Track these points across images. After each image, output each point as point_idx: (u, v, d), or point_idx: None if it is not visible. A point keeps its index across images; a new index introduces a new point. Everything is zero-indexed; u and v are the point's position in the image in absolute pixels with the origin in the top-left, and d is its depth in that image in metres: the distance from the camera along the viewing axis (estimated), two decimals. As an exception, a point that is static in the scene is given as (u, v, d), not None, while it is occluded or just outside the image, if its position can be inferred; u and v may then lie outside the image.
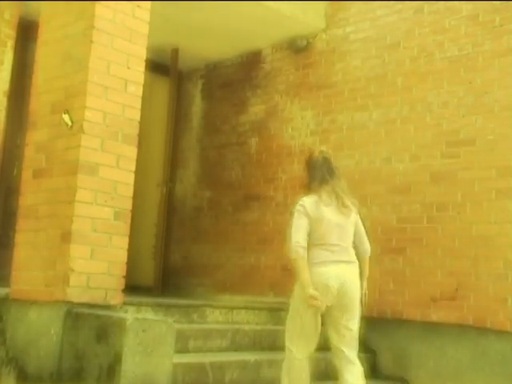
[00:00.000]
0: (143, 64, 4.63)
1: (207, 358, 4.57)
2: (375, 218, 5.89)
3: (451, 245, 5.45)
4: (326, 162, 4.38)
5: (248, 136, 7.24)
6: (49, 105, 4.58)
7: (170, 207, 7.79)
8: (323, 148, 4.73)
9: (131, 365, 3.69)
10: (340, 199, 4.27)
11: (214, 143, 7.64)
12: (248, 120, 7.29)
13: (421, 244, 5.64)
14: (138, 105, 4.58)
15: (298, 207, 4.26)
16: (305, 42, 6.82)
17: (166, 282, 7.53)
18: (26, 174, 4.67)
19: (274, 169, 6.90)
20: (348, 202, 4.30)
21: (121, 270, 4.40)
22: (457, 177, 5.51)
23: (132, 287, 4.74)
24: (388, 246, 5.81)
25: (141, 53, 4.62)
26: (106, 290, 4.31)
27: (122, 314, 4.07)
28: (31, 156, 4.66)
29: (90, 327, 3.94)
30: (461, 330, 5.30)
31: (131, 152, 4.50)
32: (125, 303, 4.46)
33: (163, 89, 7.62)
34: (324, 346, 4.33)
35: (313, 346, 4.25)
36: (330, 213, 4.24)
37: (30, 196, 4.59)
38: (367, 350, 5.74)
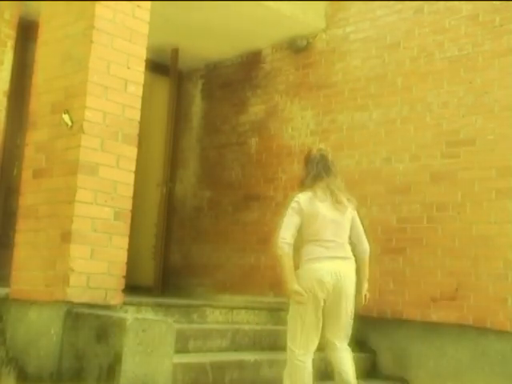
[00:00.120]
0: (143, 64, 4.62)
1: (207, 358, 4.57)
2: (375, 218, 5.89)
3: (451, 245, 5.45)
4: (323, 159, 4.43)
5: (248, 136, 7.24)
6: (49, 105, 4.58)
7: (170, 207, 7.79)
8: (322, 146, 4.80)
9: (131, 365, 3.69)
10: (334, 196, 4.31)
11: (214, 143, 7.64)
12: (248, 120, 7.29)
13: (421, 244, 5.64)
14: (138, 105, 4.58)
15: (292, 203, 4.32)
16: (305, 42, 6.82)
17: (166, 282, 7.53)
18: (26, 174, 4.66)
19: (274, 169, 6.90)
20: (343, 199, 4.34)
21: (121, 269, 4.40)
22: (457, 177, 5.51)
23: (132, 287, 4.74)
24: (388, 246, 5.81)
25: (141, 53, 4.61)
26: (106, 290, 4.31)
27: (121, 314, 4.06)
28: (31, 156, 4.66)
29: (90, 327, 3.93)
30: (461, 330, 5.30)
31: (131, 152, 4.50)
32: (125, 303, 4.46)
33: (163, 89, 7.62)
34: (324, 347, 4.37)
35: (314, 344, 4.27)
36: (324, 209, 4.28)
37: (30, 196, 4.59)
38: (367, 349, 5.75)
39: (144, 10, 4.65)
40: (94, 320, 3.95)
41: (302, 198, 4.31)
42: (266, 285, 6.62)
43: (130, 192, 4.48)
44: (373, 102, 6.17)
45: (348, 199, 4.39)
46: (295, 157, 6.60)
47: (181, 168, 7.91)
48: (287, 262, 4.17)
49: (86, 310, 4.09)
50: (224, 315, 5.33)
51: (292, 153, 6.70)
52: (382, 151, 6.03)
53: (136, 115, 4.55)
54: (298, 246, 4.35)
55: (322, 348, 4.49)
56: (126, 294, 4.47)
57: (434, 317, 5.47)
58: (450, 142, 5.59)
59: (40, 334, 4.21)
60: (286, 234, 4.21)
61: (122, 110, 4.46)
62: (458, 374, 5.28)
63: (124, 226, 4.44)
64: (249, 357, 4.83)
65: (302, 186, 4.44)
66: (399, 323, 5.65)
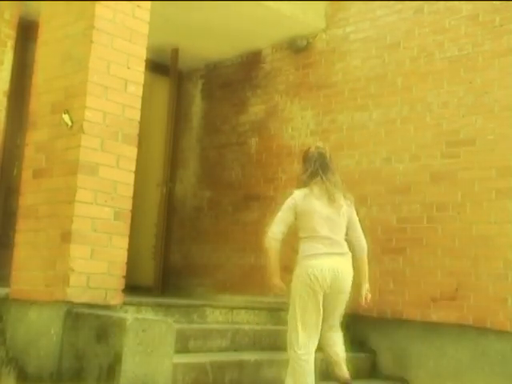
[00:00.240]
0: (143, 64, 4.62)
1: (207, 358, 4.57)
2: (375, 218, 5.89)
3: (451, 245, 5.45)
4: (321, 156, 4.49)
5: (248, 136, 7.24)
6: (49, 105, 4.58)
7: (170, 207, 7.79)
8: (319, 144, 4.84)
9: (131, 365, 3.69)
10: (330, 193, 4.37)
11: (214, 143, 7.64)
12: (248, 120, 7.29)
13: (421, 244, 5.64)
14: (138, 105, 4.58)
15: (288, 200, 4.41)
16: (305, 42, 6.82)
17: (166, 282, 7.53)
18: (26, 174, 4.66)
19: (274, 169, 6.90)
20: (338, 196, 4.40)
21: (121, 269, 4.40)
22: (457, 177, 5.51)
23: (132, 287, 4.74)
24: (388, 246, 5.81)
25: (141, 53, 4.61)
26: (106, 290, 4.30)
27: (121, 314, 4.06)
28: (31, 156, 4.66)
29: (90, 327, 3.93)
30: (461, 330, 5.30)
31: (131, 152, 4.50)
32: (125, 303, 4.46)
33: (163, 89, 7.62)
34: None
35: (315, 342, 4.30)
36: (320, 206, 4.34)
37: (30, 196, 4.59)
38: (367, 349, 5.75)
39: (144, 10, 4.65)
40: (94, 320, 3.95)
41: (298, 195, 4.39)
42: (266, 285, 6.60)
43: (130, 192, 4.48)
44: (373, 102, 6.17)
45: (345, 196, 4.45)
46: (295, 157, 6.59)
47: (181, 168, 7.91)
48: (272, 256, 4.35)
49: (86, 310, 4.09)
50: (224, 315, 5.33)
51: (292, 153, 6.70)
52: (382, 151, 6.03)
53: (136, 115, 4.55)
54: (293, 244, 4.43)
55: (321, 348, 4.52)
56: (126, 294, 4.46)
57: (434, 317, 5.47)
58: (450, 142, 5.59)
59: (40, 333, 4.21)
60: (276, 229, 4.35)
61: (122, 110, 4.46)
62: (458, 374, 5.28)
63: (124, 226, 4.43)
64: (249, 357, 4.82)
65: (300, 183, 4.51)
66: (399, 323, 5.65)
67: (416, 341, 5.55)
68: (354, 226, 4.51)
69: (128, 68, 4.52)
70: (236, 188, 7.24)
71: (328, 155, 4.52)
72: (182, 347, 4.52)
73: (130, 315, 3.95)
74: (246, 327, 5.28)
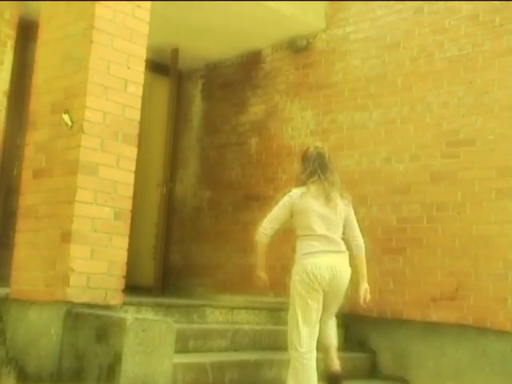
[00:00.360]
0: (143, 64, 4.62)
1: (207, 358, 4.57)
2: (375, 218, 5.90)
3: (451, 245, 5.45)
4: (320, 156, 4.56)
5: (248, 136, 7.24)
6: (49, 105, 4.58)
7: (170, 207, 7.79)
8: (318, 143, 4.93)
9: (131, 365, 3.69)
10: (327, 192, 4.42)
11: (214, 143, 7.64)
12: (248, 120, 7.29)
13: (421, 244, 5.64)
14: (138, 105, 4.57)
15: (285, 197, 4.51)
16: (305, 42, 6.81)
17: (166, 282, 7.52)
18: (26, 174, 4.66)
19: (274, 169, 6.90)
20: (335, 195, 4.45)
21: (121, 269, 4.39)
22: (457, 177, 5.51)
23: (132, 287, 4.74)
24: (388, 246, 5.81)
25: (141, 53, 4.61)
26: (106, 290, 4.30)
27: (121, 314, 4.06)
28: (31, 156, 4.65)
29: (90, 327, 3.93)
30: (461, 330, 5.30)
31: (131, 152, 4.50)
32: (125, 303, 4.46)
33: (163, 89, 7.62)
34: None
35: (315, 337, 4.33)
36: (316, 204, 4.40)
37: (30, 196, 4.59)
38: (367, 349, 5.75)
39: (144, 10, 4.65)
40: (94, 320, 3.95)
41: (295, 193, 4.47)
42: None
43: (130, 192, 4.48)
44: (373, 102, 6.17)
45: (342, 196, 4.51)
46: (295, 157, 6.58)
47: (181, 168, 7.91)
48: (260, 251, 4.56)
49: (86, 310, 4.08)
50: (224, 315, 5.33)
51: (292, 153, 6.70)
52: (382, 151, 6.03)
53: (136, 115, 4.55)
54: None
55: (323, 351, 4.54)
56: (126, 294, 4.46)
57: (434, 317, 5.46)
58: (450, 142, 5.59)
59: (40, 333, 4.20)
60: (268, 225, 4.51)
61: (122, 110, 4.46)
62: (458, 374, 5.28)
63: (124, 226, 4.43)
64: (249, 357, 4.83)
65: (298, 182, 4.57)
66: (399, 323, 5.65)
67: (416, 341, 5.54)
68: (351, 225, 4.56)
69: (128, 68, 4.52)
70: (236, 188, 7.24)
71: (327, 155, 4.59)
72: (182, 347, 4.52)
73: (130, 315, 3.94)
74: (246, 327, 5.28)
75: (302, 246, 4.40)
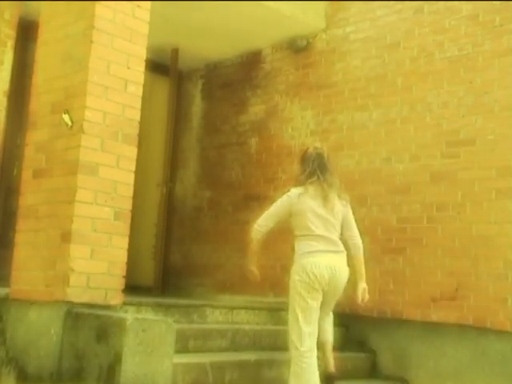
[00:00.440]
0: (143, 64, 4.62)
1: (207, 358, 4.56)
2: (375, 218, 5.90)
3: (451, 245, 5.45)
4: (319, 157, 4.59)
5: (248, 136, 7.24)
6: (49, 105, 4.58)
7: (170, 207, 7.79)
8: (318, 144, 4.98)
9: (131, 365, 3.69)
10: (325, 192, 4.46)
11: (214, 143, 7.64)
12: (248, 120, 7.29)
13: (421, 244, 5.64)
14: (138, 105, 4.57)
15: (283, 196, 4.54)
16: (305, 42, 6.82)
17: (166, 282, 7.52)
18: (26, 174, 4.66)
19: (274, 169, 6.90)
20: (333, 196, 4.48)
21: (121, 269, 4.39)
22: (457, 177, 5.51)
23: (132, 287, 4.74)
24: (388, 246, 5.81)
25: (141, 53, 4.61)
26: (106, 290, 4.30)
27: (122, 314, 4.06)
28: (31, 156, 4.65)
29: (90, 327, 3.93)
30: (461, 329, 5.30)
31: (131, 152, 4.50)
32: (125, 303, 4.45)
33: (163, 89, 7.62)
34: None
35: (315, 336, 4.36)
36: (314, 205, 4.43)
37: (30, 196, 4.58)
38: (367, 349, 5.75)
39: (144, 10, 4.65)
40: (94, 320, 3.95)
41: (294, 193, 4.50)
42: (266, 285, 6.61)
43: (130, 192, 4.48)
44: (373, 102, 6.17)
45: (340, 196, 4.55)
46: (295, 157, 6.57)
47: (181, 168, 7.91)
48: (253, 246, 4.62)
49: (86, 310, 4.08)
50: (224, 315, 5.33)
51: (292, 153, 6.70)
52: (382, 151, 6.03)
53: (136, 115, 4.55)
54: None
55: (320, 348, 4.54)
56: (126, 294, 4.46)
57: (434, 317, 5.46)
58: (450, 142, 5.59)
59: (40, 333, 4.20)
60: (262, 222, 4.55)
61: (122, 110, 4.46)
62: (458, 374, 5.28)
63: (124, 226, 4.43)
64: (249, 357, 4.82)
65: (297, 182, 4.61)
66: (399, 323, 5.65)
67: (416, 341, 5.54)
68: (349, 224, 4.60)
69: (128, 68, 4.52)
70: (236, 188, 7.24)
71: (326, 156, 4.64)
72: (182, 347, 4.52)
73: (130, 315, 3.94)
74: (246, 327, 5.28)
75: (301, 246, 4.44)
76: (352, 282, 4.56)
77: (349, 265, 4.52)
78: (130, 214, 4.47)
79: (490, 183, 5.31)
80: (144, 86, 4.62)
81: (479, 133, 5.44)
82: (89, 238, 4.23)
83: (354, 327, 5.81)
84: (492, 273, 5.20)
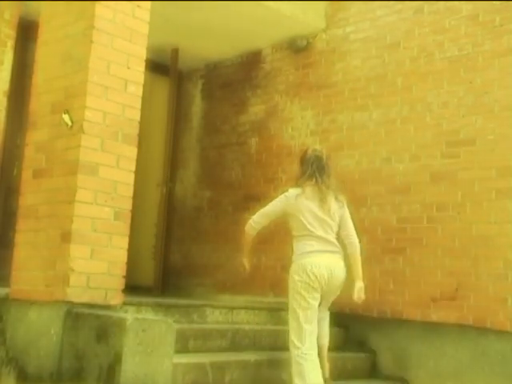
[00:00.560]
0: (143, 64, 4.62)
1: (207, 358, 4.56)
2: (375, 218, 5.90)
3: (451, 245, 5.45)
4: (318, 159, 4.65)
5: (248, 136, 7.24)
6: (49, 105, 4.58)
7: (170, 207, 7.79)
8: (317, 146, 5.08)
9: (131, 365, 3.69)
10: (322, 194, 4.51)
11: (214, 143, 7.64)
12: (248, 120, 7.29)
13: (421, 244, 5.63)
14: (138, 105, 4.57)
15: (281, 196, 4.61)
16: (305, 42, 6.81)
17: (166, 282, 7.52)
18: (26, 174, 4.66)
19: (274, 169, 6.90)
20: (330, 198, 4.54)
21: (121, 269, 4.39)
22: (457, 177, 5.51)
23: (132, 287, 4.74)
24: (388, 246, 5.81)
25: (141, 53, 4.61)
26: (106, 290, 4.30)
27: (122, 314, 4.06)
28: (31, 156, 4.65)
29: (90, 327, 3.93)
30: (461, 329, 5.30)
31: (131, 152, 4.50)
32: (125, 303, 4.46)
33: (163, 89, 7.62)
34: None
35: (315, 333, 4.40)
36: (312, 206, 4.49)
37: (30, 196, 4.58)
38: (367, 349, 5.75)
39: (144, 10, 4.65)
40: (94, 320, 3.95)
41: (291, 193, 4.56)
42: (266, 285, 6.62)
43: (130, 192, 4.48)
44: (373, 102, 6.17)
45: (336, 198, 4.59)
46: (295, 157, 6.56)
47: (181, 168, 7.91)
48: (246, 240, 4.82)
49: (86, 310, 4.08)
50: (224, 315, 5.33)
51: (292, 153, 6.70)
52: (382, 151, 6.03)
53: (136, 115, 4.55)
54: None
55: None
56: (126, 294, 4.46)
57: (434, 317, 5.46)
58: (450, 142, 5.59)
59: (40, 333, 4.20)
60: (257, 219, 4.69)
61: (122, 110, 4.46)
62: (458, 374, 5.28)
63: (124, 226, 4.43)
64: (249, 357, 4.82)
65: (296, 184, 4.67)
66: (399, 323, 5.65)
67: (416, 341, 5.54)
68: (345, 224, 4.65)
69: (128, 68, 4.52)
70: (236, 188, 7.24)
71: (324, 158, 4.70)
72: (182, 347, 4.52)
73: (130, 315, 3.94)
74: (246, 327, 5.28)
75: (299, 246, 4.49)
76: (352, 282, 4.57)
77: (346, 264, 4.54)
78: (129, 214, 4.47)
79: (490, 183, 5.31)
80: (144, 86, 4.62)
81: (479, 133, 5.44)
82: (89, 238, 4.23)
83: (353, 327, 5.80)
84: (492, 273, 5.20)
